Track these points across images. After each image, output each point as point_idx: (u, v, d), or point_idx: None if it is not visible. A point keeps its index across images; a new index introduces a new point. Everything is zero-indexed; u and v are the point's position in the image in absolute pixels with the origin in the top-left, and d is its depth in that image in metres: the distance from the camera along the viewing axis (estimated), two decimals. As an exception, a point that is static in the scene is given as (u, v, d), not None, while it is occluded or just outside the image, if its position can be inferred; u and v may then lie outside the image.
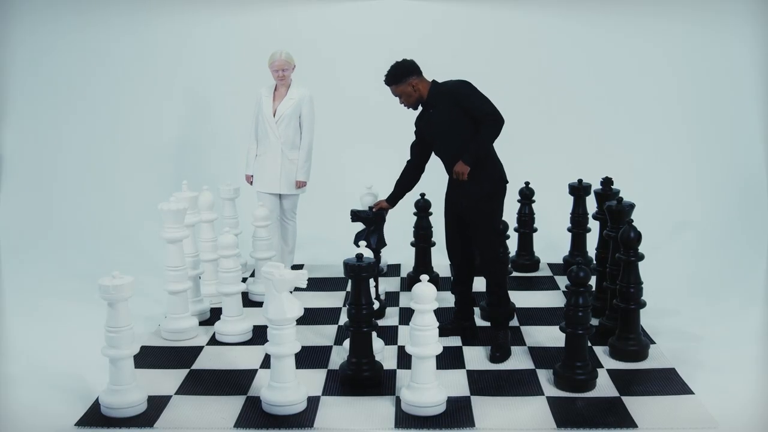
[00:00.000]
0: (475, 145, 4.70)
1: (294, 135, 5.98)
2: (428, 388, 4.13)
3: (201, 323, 5.43)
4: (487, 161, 4.80)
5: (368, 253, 4.86)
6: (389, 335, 5.19)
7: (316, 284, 6.13)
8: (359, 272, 4.39)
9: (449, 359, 4.77)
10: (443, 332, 4.90)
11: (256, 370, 4.72)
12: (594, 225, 6.10)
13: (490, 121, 4.68)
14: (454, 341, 5.08)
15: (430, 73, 5.02)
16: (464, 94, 4.75)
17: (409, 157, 5.15)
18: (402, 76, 4.86)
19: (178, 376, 4.65)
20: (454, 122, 4.77)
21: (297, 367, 4.24)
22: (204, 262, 5.82)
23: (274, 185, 6.02)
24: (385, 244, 5.48)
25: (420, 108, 5.00)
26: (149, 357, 4.88)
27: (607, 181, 5.82)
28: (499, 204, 4.91)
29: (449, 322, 5.19)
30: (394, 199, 5.27)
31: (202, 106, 8.12)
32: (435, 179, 5.52)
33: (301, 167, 6.03)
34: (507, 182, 4.90)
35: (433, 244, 6.26)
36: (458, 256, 5.08)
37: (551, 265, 6.68)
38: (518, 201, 6.58)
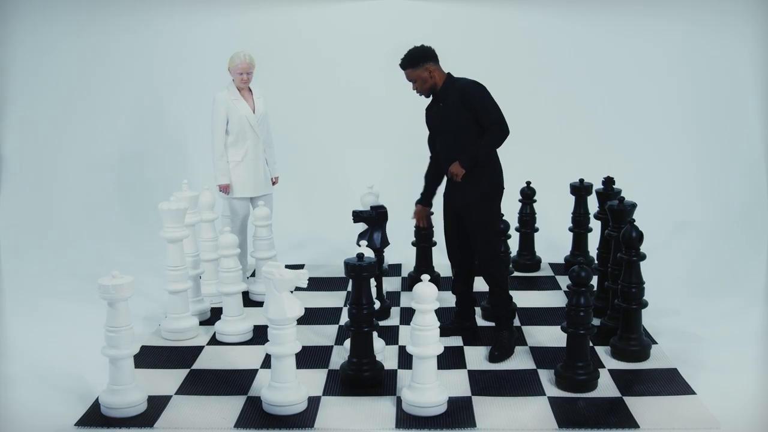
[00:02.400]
0: (475, 149, 4.67)
1: (268, 133, 6.00)
2: (429, 388, 4.12)
3: (201, 323, 5.42)
4: (490, 165, 4.78)
5: (369, 253, 4.85)
6: (390, 335, 5.19)
7: (316, 284, 6.12)
8: (360, 272, 4.39)
9: (450, 359, 4.76)
10: (444, 332, 4.88)
11: (256, 370, 4.71)
12: (595, 225, 6.09)
13: (495, 129, 4.65)
14: (455, 341, 5.07)
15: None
16: (475, 96, 4.68)
17: (429, 153, 5.11)
18: (420, 60, 4.78)
19: (178, 376, 4.64)
20: (461, 121, 4.72)
21: (297, 367, 4.23)
22: (204, 261, 5.81)
23: (261, 187, 5.97)
24: (389, 243, 5.47)
25: (431, 98, 4.95)
26: (149, 357, 4.87)
27: (608, 181, 5.81)
28: (496, 205, 4.89)
29: (450, 322, 5.18)
30: (428, 197, 5.19)
31: (202, 105, 8.09)
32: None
33: (274, 163, 6.05)
34: (503, 188, 4.88)
35: (434, 243, 6.25)
36: (458, 256, 5.06)
37: (552, 265, 6.67)
38: (519, 201, 6.57)
